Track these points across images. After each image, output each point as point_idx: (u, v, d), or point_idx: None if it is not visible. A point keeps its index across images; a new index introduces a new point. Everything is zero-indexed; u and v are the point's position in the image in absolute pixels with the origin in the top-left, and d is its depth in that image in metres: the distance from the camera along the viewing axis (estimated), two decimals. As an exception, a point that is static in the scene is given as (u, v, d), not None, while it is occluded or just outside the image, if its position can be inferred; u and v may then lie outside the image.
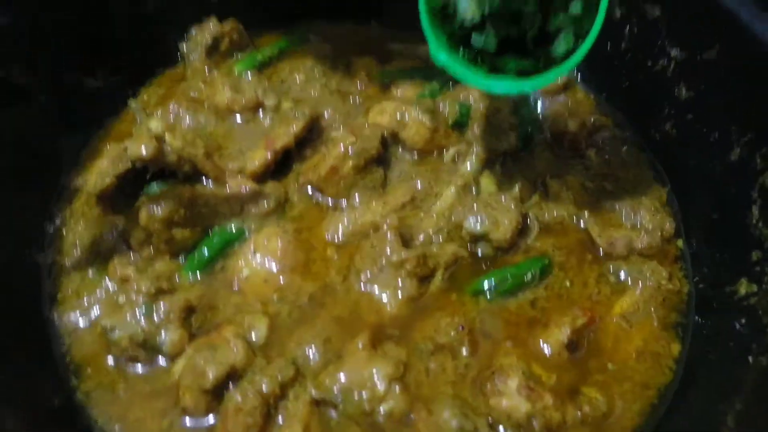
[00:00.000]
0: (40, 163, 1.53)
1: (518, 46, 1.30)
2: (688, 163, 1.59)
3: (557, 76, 1.28)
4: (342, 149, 1.51)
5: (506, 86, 1.30)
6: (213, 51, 1.79)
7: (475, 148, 1.58)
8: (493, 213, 1.45)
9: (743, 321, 1.32)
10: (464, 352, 1.32)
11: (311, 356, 1.30)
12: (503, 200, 1.47)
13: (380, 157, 1.56)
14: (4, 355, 1.23)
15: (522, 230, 1.49)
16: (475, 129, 1.61)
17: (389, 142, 1.61)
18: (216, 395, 1.23)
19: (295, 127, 1.58)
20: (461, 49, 1.32)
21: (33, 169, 1.51)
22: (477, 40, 1.29)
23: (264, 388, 1.21)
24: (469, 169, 1.56)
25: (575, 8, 1.24)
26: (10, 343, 1.27)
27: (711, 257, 1.50)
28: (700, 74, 1.52)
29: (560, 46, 1.26)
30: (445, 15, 1.31)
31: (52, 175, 1.56)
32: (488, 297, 1.41)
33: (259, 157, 1.55)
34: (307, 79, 1.78)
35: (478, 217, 1.45)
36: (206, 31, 1.78)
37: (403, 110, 1.59)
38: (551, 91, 1.79)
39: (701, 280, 1.50)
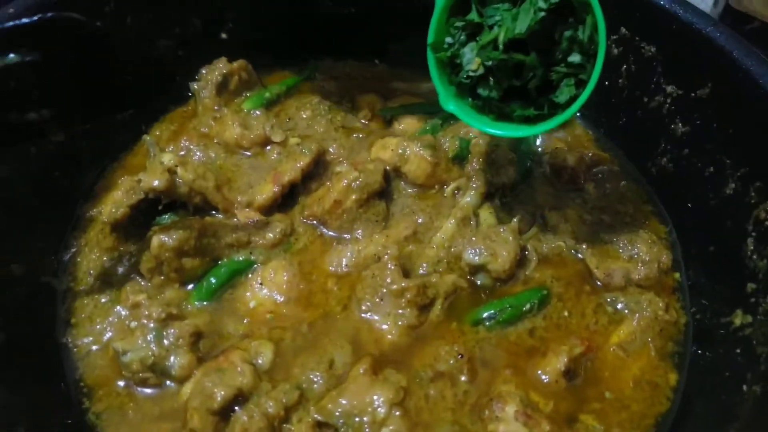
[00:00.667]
0: (57, 195, 1.60)
1: (523, 94, 1.38)
2: (684, 196, 1.64)
3: (561, 121, 1.35)
4: (345, 183, 1.57)
5: (513, 132, 1.38)
6: (223, 89, 1.86)
7: (474, 182, 1.64)
8: (491, 245, 1.50)
9: (738, 351, 1.35)
10: (463, 379, 1.35)
11: (314, 381, 1.33)
12: (502, 232, 1.52)
13: (382, 191, 1.62)
14: (20, 377, 1.28)
15: (520, 261, 1.53)
16: (474, 163, 1.66)
17: (391, 176, 1.67)
18: (223, 417, 1.27)
19: (302, 163, 1.65)
20: (469, 98, 1.42)
21: (50, 200, 1.57)
22: (482, 90, 1.38)
23: (269, 410, 1.25)
24: (468, 202, 1.61)
25: (574, 59, 1.31)
26: (25, 365, 1.33)
27: (708, 289, 1.53)
28: (695, 110, 1.57)
29: (563, 94, 1.34)
30: (453, 66, 1.40)
31: (68, 206, 1.63)
32: (487, 326, 1.45)
33: (266, 191, 1.62)
34: (313, 116, 1.86)
35: (477, 249, 1.50)
36: (216, 70, 1.85)
37: (405, 145, 1.65)
38: (551, 128, 1.86)
39: (698, 311, 1.53)
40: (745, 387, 1.28)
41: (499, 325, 1.45)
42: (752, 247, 1.41)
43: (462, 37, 1.38)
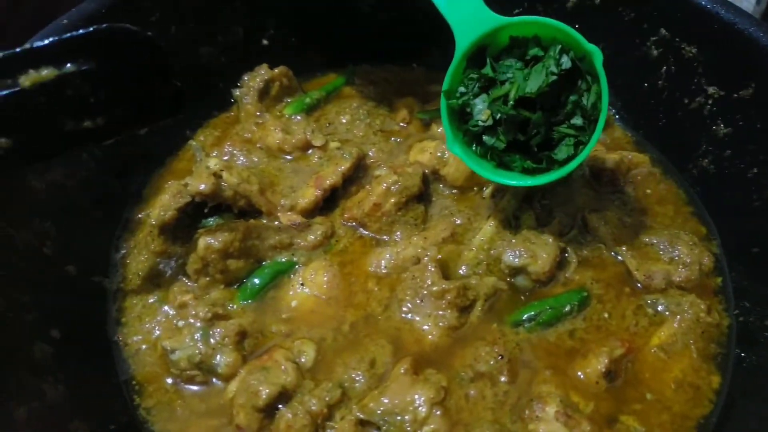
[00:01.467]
0: (107, 198, 1.67)
1: (524, 147, 1.47)
2: (727, 198, 1.65)
3: (558, 177, 1.43)
4: (385, 187, 1.61)
5: (511, 180, 1.48)
6: (264, 95, 1.92)
7: None
8: (531, 247, 1.52)
9: (780, 352, 1.36)
10: (503, 379, 1.38)
11: (356, 380, 1.37)
12: (542, 234, 1.54)
13: (421, 195, 1.66)
14: (74, 374, 1.34)
15: (560, 264, 1.55)
16: None
17: (430, 179, 1.71)
18: (268, 414, 1.31)
19: (343, 167, 1.69)
20: (474, 144, 1.50)
21: (100, 204, 1.64)
22: (488, 139, 1.47)
23: (313, 407, 1.29)
24: (507, 202, 1.64)
25: (576, 121, 1.40)
26: (79, 362, 1.39)
27: (751, 290, 1.54)
28: (738, 111, 1.59)
29: (561, 152, 1.43)
30: (462, 114, 1.49)
31: (118, 209, 1.70)
32: (527, 328, 1.47)
33: (308, 195, 1.66)
34: (352, 120, 1.91)
35: (517, 251, 1.52)
36: (258, 77, 1.91)
37: (443, 148, 1.69)
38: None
39: (741, 314, 1.53)
40: (786, 390, 1.29)
41: (539, 326, 1.48)
42: (795, 249, 1.41)
43: (475, 89, 1.47)
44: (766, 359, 1.42)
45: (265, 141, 1.83)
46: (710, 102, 1.66)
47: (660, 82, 1.77)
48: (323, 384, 1.35)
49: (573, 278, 1.56)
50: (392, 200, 1.61)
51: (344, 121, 1.92)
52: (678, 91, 1.73)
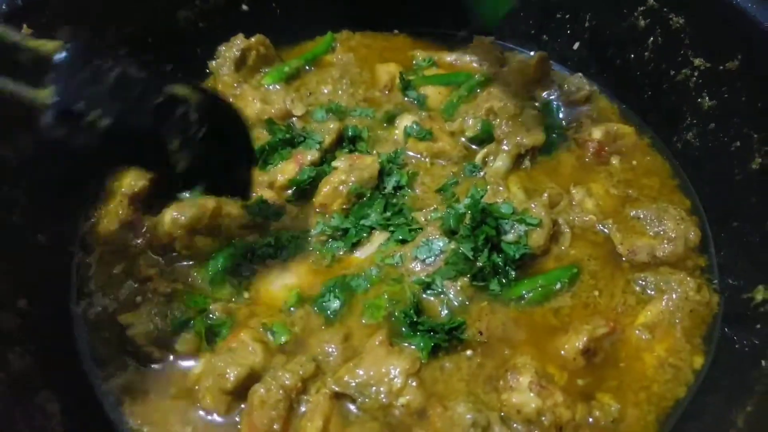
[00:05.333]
0: (79, 168, 1.64)
1: None
2: (709, 171, 1.69)
3: None
4: (333, 186, 1.63)
5: None
6: (241, 65, 1.93)
7: (505, 144, 1.71)
8: (525, 219, 1.54)
9: (758, 327, 1.41)
10: (469, 353, 1.42)
11: (330, 353, 1.41)
12: (533, 208, 1.57)
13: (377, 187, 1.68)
14: (43, 346, 1.36)
15: (554, 236, 1.59)
16: (504, 126, 1.73)
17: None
18: (237, 396, 1.35)
19: (323, 144, 1.72)
20: None
21: (72, 173, 1.63)
22: None
23: (286, 382, 1.32)
24: (500, 166, 1.69)
25: None
26: (44, 332, 1.40)
27: (731, 265, 1.58)
28: (723, 83, 1.62)
29: None
30: None
31: (89, 179, 1.70)
32: (518, 306, 1.50)
33: (288, 171, 1.68)
34: (334, 89, 1.94)
35: (511, 224, 1.54)
36: (234, 46, 1.92)
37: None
38: (575, 101, 1.92)
39: (725, 289, 1.57)
40: (763, 362, 1.33)
41: (529, 304, 1.51)
42: (776, 223, 1.45)
43: None
44: (742, 333, 1.45)
45: (243, 111, 1.83)
46: (696, 74, 1.69)
47: (646, 53, 1.80)
48: (297, 358, 1.38)
49: (568, 252, 1.59)
50: (340, 200, 1.64)
51: (326, 91, 1.94)
52: (664, 62, 1.77)
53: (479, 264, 1.49)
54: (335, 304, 1.49)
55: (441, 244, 1.53)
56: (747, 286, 1.49)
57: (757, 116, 1.54)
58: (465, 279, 1.50)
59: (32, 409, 1.23)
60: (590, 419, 1.34)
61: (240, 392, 1.35)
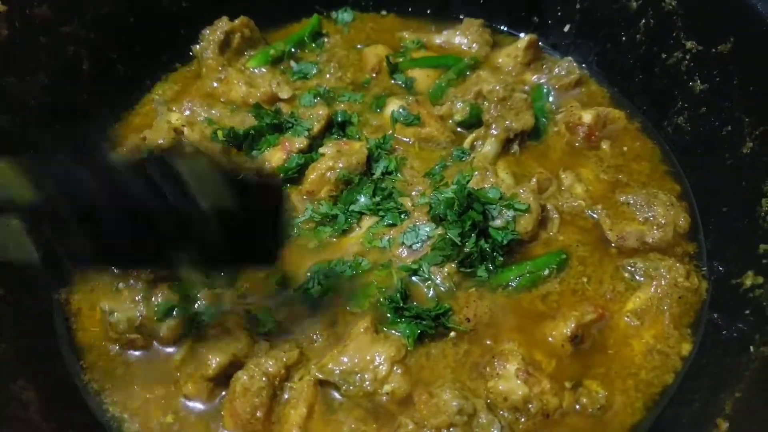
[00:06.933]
0: None
1: None
2: (699, 156, 1.69)
3: None
4: (328, 165, 1.63)
5: None
6: (225, 48, 1.91)
7: (494, 128, 1.71)
8: (513, 204, 1.54)
9: (747, 312, 1.41)
10: (466, 338, 1.43)
11: (315, 339, 1.41)
12: (522, 193, 1.57)
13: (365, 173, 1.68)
14: (20, 333, 1.35)
15: (542, 222, 1.59)
16: (492, 110, 1.73)
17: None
18: (218, 383, 1.35)
19: (311, 130, 1.71)
20: None
21: None
22: None
23: (269, 369, 1.33)
24: (489, 150, 1.68)
25: None
26: (24, 320, 1.40)
27: (721, 250, 1.58)
28: (715, 67, 1.62)
29: None
30: None
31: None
32: (506, 291, 1.50)
33: (275, 159, 1.68)
34: (321, 72, 1.93)
35: (499, 209, 1.54)
36: (217, 29, 1.90)
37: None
38: (565, 85, 1.91)
39: (713, 275, 1.57)
40: (752, 348, 1.34)
41: (515, 290, 1.51)
42: (766, 208, 1.46)
43: None
44: (730, 319, 1.46)
45: (228, 96, 1.85)
46: (688, 57, 1.69)
47: (638, 36, 1.80)
48: (280, 345, 1.39)
49: (554, 237, 1.59)
50: (334, 178, 1.63)
51: (313, 72, 1.94)
52: (656, 45, 1.77)
53: (466, 250, 1.49)
54: (318, 290, 1.48)
55: (428, 229, 1.54)
56: (736, 271, 1.49)
57: (748, 100, 1.54)
58: (452, 265, 1.50)
59: (7, 397, 1.22)
60: (577, 406, 1.35)
61: (222, 379, 1.35)
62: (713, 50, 1.61)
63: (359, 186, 1.64)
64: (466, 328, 1.44)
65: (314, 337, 1.42)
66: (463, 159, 1.72)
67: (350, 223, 1.60)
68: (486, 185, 1.59)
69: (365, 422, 1.33)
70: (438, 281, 1.50)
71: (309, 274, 1.51)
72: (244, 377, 1.32)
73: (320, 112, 1.74)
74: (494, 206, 1.54)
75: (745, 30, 1.53)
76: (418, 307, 1.44)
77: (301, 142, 1.69)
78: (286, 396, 1.35)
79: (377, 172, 1.67)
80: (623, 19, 1.82)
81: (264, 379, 1.32)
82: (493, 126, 1.72)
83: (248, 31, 1.95)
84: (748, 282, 1.45)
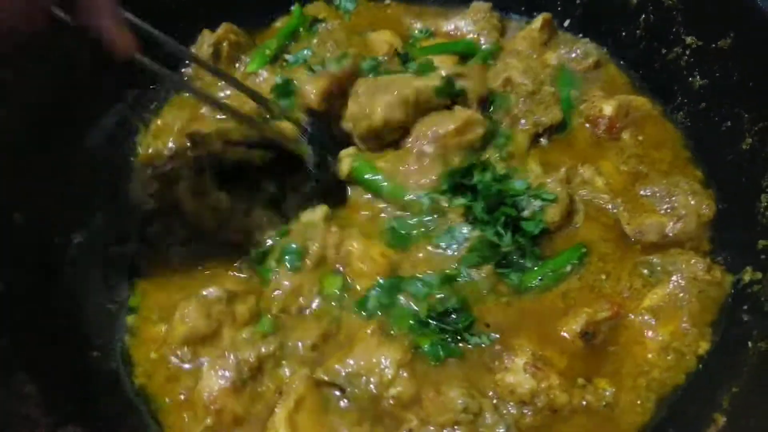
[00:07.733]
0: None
1: None
2: (699, 152, 1.71)
3: None
4: None
5: None
6: (217, 60, 1.88)
7: (522, 123, 1.73)
8: (541, 195, 1.56)
9: (745, 308, 1.43)
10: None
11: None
12: (549, 183, 1.58)
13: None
14: (20, 326, 1.33)
15: (569, 212, 1.60)
16: (521, 105, 1.74)
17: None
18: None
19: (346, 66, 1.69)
20: None
21: None
22: None
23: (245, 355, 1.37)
24: (518, 143, 1.70)
25: None
26: (25, 314, 1.37)
27: (721, 248, 1.57)
28: (715, 62, 1.64)
29: None
30: None
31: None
32: (528, 294, 1.51)
33: (320, 85, 1.65)
34: (316, 55, 1.87)
35: (527, 200, 1.56)
36: (203, 44, 1.87)
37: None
38: (585, 68, 1.92)
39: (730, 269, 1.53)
40: (750, 344, 1.36)
41: (539, 291, 1.51)
42: (766, 204, 1.48)
43: None
44: (728, 315, 1.47)
45: (243, 108, 1.81)
46: (688, 52, 1.71)
47: (638, 31, 1.82)
48: (268, 338, 1.42)
49: (578, 233, 1.59)
50: None
51: (309, 54, 1.90)
52: (656, 40, 1.78)
53: (504, 250, 1.50)
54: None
55: (465, 230, 1.54)
56: (735, 267, 1.50)
57: (748, 95, 1.56)
58: (489, 266, 1.50)
59: (6, 392, 1.22)
60: (583, 402, 1.35)
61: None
62: (713, 46, 1.63)
63: None
64: (486, 343, 1.43)
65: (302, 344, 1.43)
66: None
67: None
68: (513, 177, 1.61)
69: (360, 424, 1.33)
70: (477, 281, 1.50)
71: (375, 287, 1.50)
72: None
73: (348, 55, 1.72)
74: (522, 197, 1.56)
75: (745, 25, 1.55)
76: (441, 321, 1.44)
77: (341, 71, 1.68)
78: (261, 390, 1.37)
79: None
80: (624, 14, 1.83)
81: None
82: (522, 121, 1.74)
83: (234, 36, 1.92)
84: (747, 277, 1.46)
